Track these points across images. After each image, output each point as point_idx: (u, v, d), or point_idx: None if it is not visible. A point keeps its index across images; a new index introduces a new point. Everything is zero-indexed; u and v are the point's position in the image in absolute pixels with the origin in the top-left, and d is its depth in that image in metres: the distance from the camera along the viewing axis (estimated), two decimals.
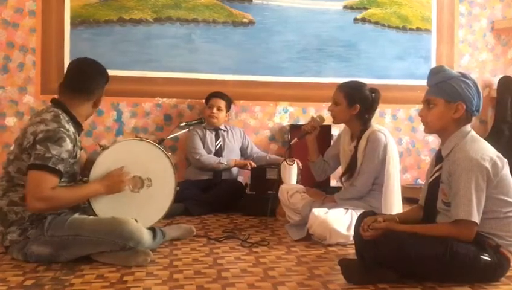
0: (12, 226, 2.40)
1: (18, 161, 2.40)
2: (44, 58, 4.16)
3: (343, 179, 3.10)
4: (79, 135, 2.59)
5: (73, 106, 2.53)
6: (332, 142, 3.31)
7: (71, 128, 2.48)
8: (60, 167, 2.35)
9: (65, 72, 2.66)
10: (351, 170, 3.02)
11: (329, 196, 3.15)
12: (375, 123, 4.56)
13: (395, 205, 2.92)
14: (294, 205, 3.27)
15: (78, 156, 2.56)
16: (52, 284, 2.13)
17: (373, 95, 3.03)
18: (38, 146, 2.33)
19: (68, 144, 2.39)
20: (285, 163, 3.41)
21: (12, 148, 2.50)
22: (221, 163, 4.05)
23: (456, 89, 2.19)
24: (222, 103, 4.16)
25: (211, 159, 4.06)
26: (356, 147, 3.01)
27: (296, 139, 3.21)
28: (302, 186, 3.42)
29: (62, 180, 2.41)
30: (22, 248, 2.40)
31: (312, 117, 3.20)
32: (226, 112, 4.22)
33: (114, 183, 2.54)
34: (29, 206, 2.34)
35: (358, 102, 2.98)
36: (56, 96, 2.60)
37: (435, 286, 2.12)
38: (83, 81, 2.55)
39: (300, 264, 2.48)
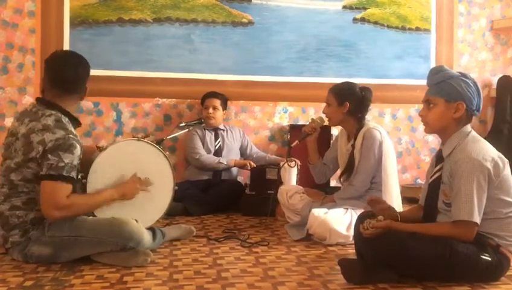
0: (15, 230, 2.39)
1: (23, 168, 2.37)
2: (44, 59, 4.14)
3: (342, 179, 3.12)
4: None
5: (64, 104, 2.48)
6: (331, 143, 3.32)
7: (72, 128, 2.47)
8: (73, 174, 2.35)
9: (46, 68, 2.55)
10: (349, 169, 3.03)
11: (328, 196, 3.16)
12: (374, 123, 4.55)
13: (394, 203, 2.92)
14: (293, 205, 3.28)
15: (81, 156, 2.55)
16: (52, 285, 2.13)
17: (363, 93, 3.07)
18: (49, 156, 2.30)
19: (78, 150, 2.38)
20: (286, 165, 3.42)
21: (3, 151, 2.45)
22: (220, 163, 4.05)
23: (456, 89, 2.18)
24: (217, 102, 4.16)
25: (210, 158, 4.06)
26: (353, 146, 3.02)
27: (296, 141, 3.24)
28: (301, 187, 3.43)
29: None
30: (22, 249, 2.40)
31: (312, 119, 3.23)
32: (223, 110, 4.22)
33: (130, 190, 2.57)
34: (48, 217, 2.35)
35: (348, 100, 3.03)
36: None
37: (435, 285, 2.12)
38: (73, 78, 2.49)
39: (300, 264, 2.48)
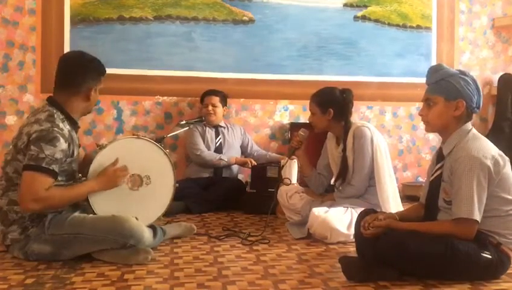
0: (13, 225, 2.40)
1: (14, 161, 2.39)
2: (44, 57, 4.16)
3: (337, 183, 3.10)
4: (76, 132, 2.56)
5: (65, 103, 2.50)
6: (322, 151, 3.30)
7: (66, 126, 2.46)
8: (54, 167, 2.33)
9: None
10: (344, 172, 3.02)
11: (328, 195, 3.16)
12: (376, 121, 4.55)
13: (390, 197, 2.92)
14: (293, 205, 3.28)
15: (76, 154, 2.53)
16: (53, 283, 2.13)
17: (344, 95, 3.06)
18: (32, 146, 2.31)
19: (62, 144, 2.36)
20: (288, 163, 3.42)
21: (10, 147, 2.50)
22: (221, 159, 4.05)
23: (455, 87, 2.18)
24: (216, 100, 4.16)
25: (211, 155, 4.07)
26: (344, 148, 3.01)
27: (286, 159, 3.27)
28: (301, 187, 3.43)
29: (60, 179, 2.41)
30: (23, 246, 2.40)
31: (295, 133, 3.21)
32: (223, 107, 4.22)
33: (109, 178, 2.53)
34: (22, 207, 2.33)
35: (331, 106, 3.03)
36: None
37: (436, 283, 2.12)
38: (66, 75, 2.52)
39: (300, 262, 2.48)
